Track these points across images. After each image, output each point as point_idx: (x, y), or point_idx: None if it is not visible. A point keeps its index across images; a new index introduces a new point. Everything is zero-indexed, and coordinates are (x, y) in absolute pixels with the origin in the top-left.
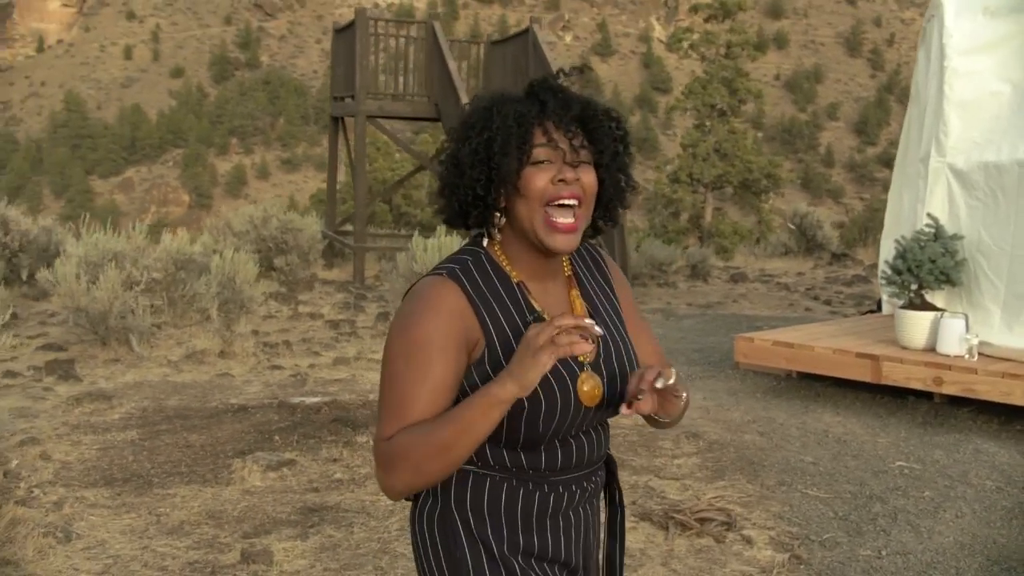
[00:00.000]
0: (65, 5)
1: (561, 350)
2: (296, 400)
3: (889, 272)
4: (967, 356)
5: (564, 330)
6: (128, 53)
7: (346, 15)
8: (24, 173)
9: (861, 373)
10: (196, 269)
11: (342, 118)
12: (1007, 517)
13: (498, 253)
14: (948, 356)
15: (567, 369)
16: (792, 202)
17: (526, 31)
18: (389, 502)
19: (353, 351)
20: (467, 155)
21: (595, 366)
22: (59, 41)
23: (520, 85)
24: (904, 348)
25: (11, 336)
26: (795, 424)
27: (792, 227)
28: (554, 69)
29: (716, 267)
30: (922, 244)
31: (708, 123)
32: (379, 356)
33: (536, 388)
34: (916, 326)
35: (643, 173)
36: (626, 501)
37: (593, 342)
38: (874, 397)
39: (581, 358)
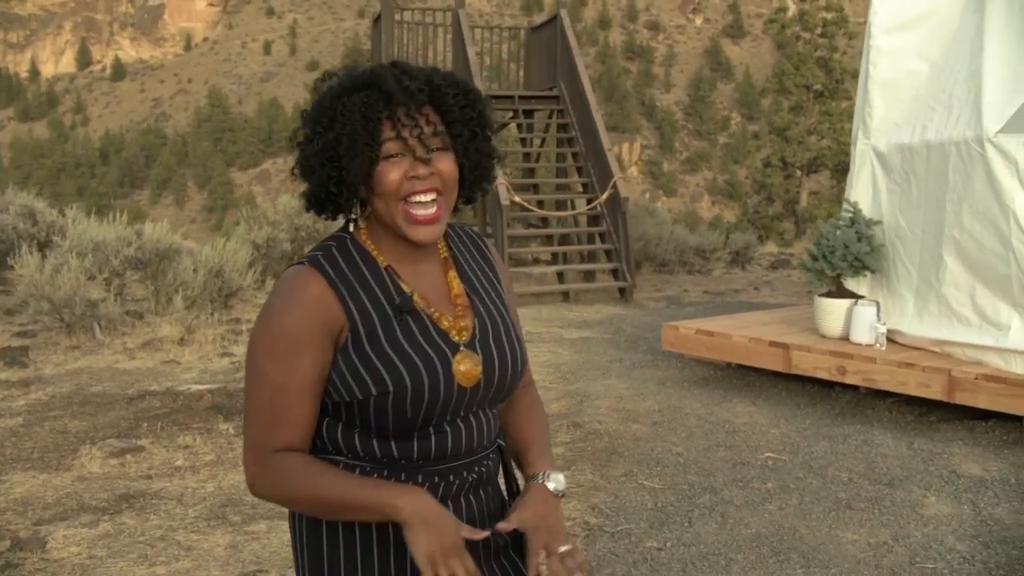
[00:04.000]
0: (211, 4)
1: None
2: (183, 388)
3: (806, 259)
4: (877, 345)
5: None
6: (267, 48)
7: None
8: (171, 167)
9: (773, 362)
10: (180, 259)
11: None
12: (830, 509)
13: (364, 238)
14: (859, 345)
15: (436, 351)
16: None
17: (555, 18)
18: (208, 490)
19: None
20: (315, 155)
21: (471, 345)
22: (204, 39)
23: (553, 72)
24: (823, 337)
25: (1, 324)
26: (699, 415)
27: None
28: (575, 56)
29: (767, 254)
30: (838, 230)
31: (803, 104)
32: None
33: (400, 371)
34: (832, 314)
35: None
36: None
37: None
38: (803, 387)
39: (455, 338)
